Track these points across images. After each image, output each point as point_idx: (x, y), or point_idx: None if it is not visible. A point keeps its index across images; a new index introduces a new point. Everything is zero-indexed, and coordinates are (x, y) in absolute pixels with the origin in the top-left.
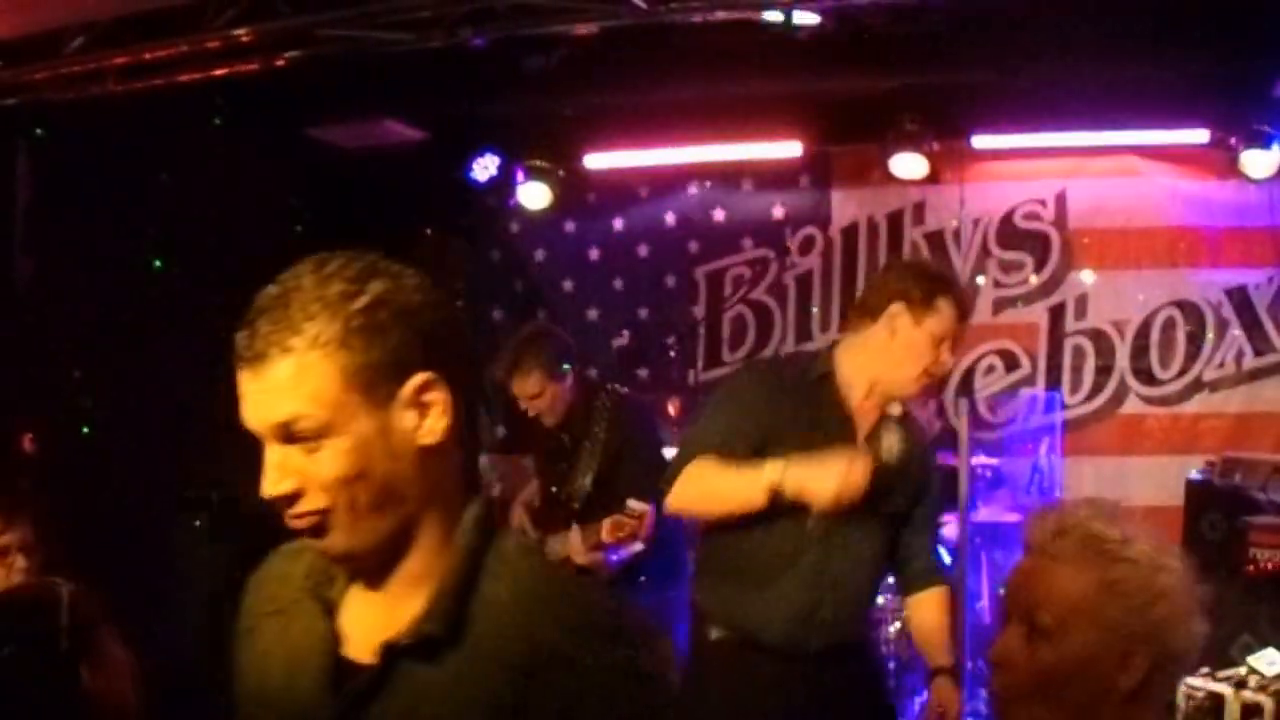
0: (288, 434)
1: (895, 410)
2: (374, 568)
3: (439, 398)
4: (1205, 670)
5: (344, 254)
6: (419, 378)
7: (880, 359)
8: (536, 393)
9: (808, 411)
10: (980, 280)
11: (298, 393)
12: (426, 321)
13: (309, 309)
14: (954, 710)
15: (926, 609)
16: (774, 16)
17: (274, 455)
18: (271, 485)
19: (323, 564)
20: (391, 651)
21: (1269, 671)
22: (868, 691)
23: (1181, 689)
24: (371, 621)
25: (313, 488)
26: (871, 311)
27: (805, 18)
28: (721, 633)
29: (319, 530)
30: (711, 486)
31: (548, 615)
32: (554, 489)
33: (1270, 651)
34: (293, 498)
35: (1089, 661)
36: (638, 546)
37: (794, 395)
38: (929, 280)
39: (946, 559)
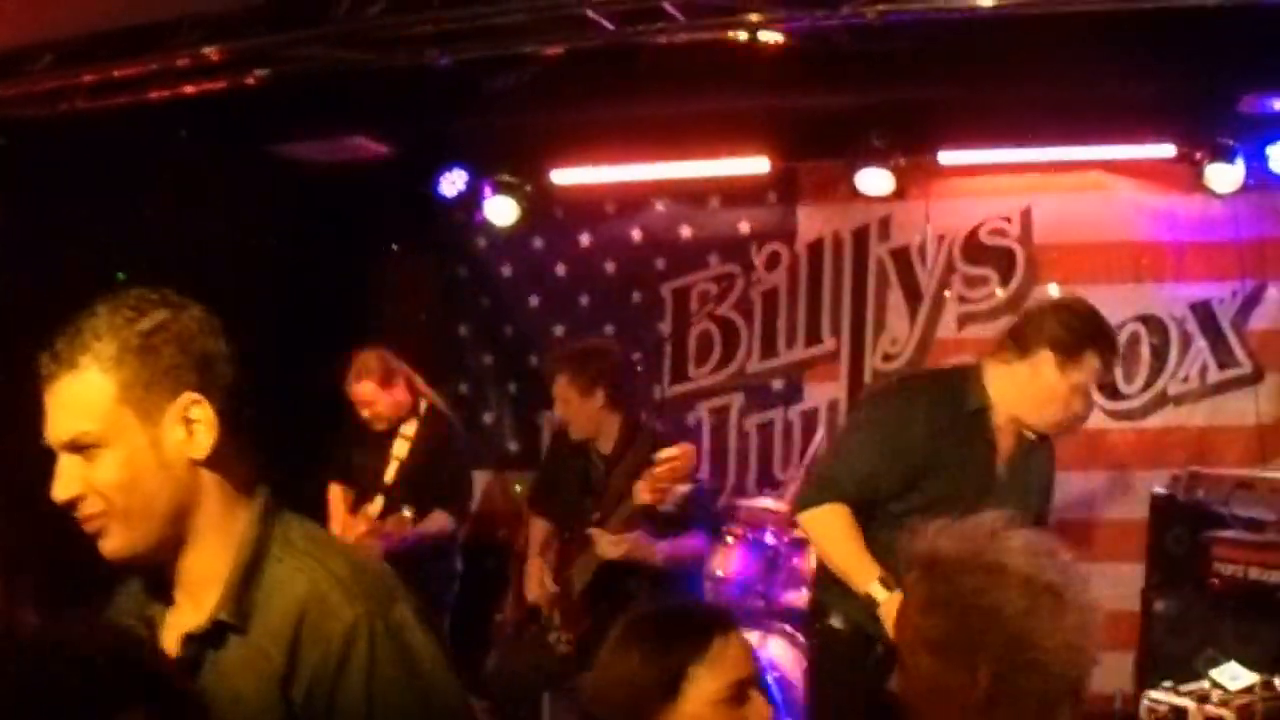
0: (72, 444)
1: (1031, 435)
2: (158, 569)
3: (204, 416)
4: (1168, 684)
5: (144, 289)
6: (186, 397)
7: (1022, 398)
8: (563, 398)
9: (963, 445)
10: (948, 293)
11: (80, 406)
12: (199, 348)
13: (98, 330)
14: None
15: None
16: (740, 36)
17: (62, 463)
18: (58, 490)
19: (148, 588)
20: (190, 640)
21: (1232, 686)
22: None
23: (1144, 703)
24: (183, 624)
25: (92, 493)
26: (1021, 348)
27: (771, 37)
28: (840, 622)
29: (101, 532)
30: (831, 547)
31: (311, 582)
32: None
33: (1233, 666)
34: (76, 502)
35: (934, 684)
36: (686, 487)
37: (952, 429)
38: (1083, 333)
39: None
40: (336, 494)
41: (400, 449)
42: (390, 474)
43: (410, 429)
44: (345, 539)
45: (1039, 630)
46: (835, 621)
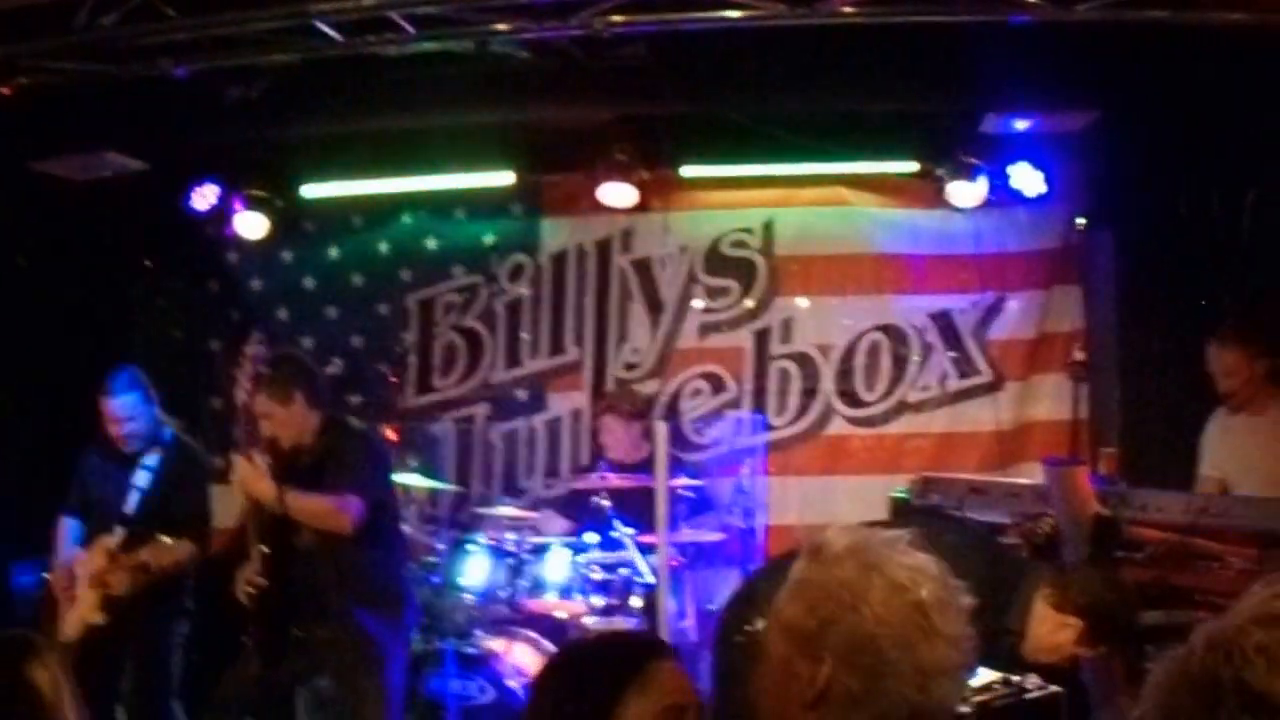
0: None
1: None
2: None
3: None
4: None
5: None
6: None
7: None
8: (265, 413)
9: None
10: (699, 303)
11: None
12: None
13: None
14: None
15: None
16: (469, 47)
17: None
18: None
19: None
20: None
21: (971, 682)
22: None
23: None
24: None
25: None
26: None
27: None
28: None
29: None
30: None
31: None
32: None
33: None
34: None
35: (781, 672)
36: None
37: None
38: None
39: (649, 579)
40: (65, 527)
41: (141, 479)
42: (130, 504)
43: (152, 459)
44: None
45: (890, 640)
46: None
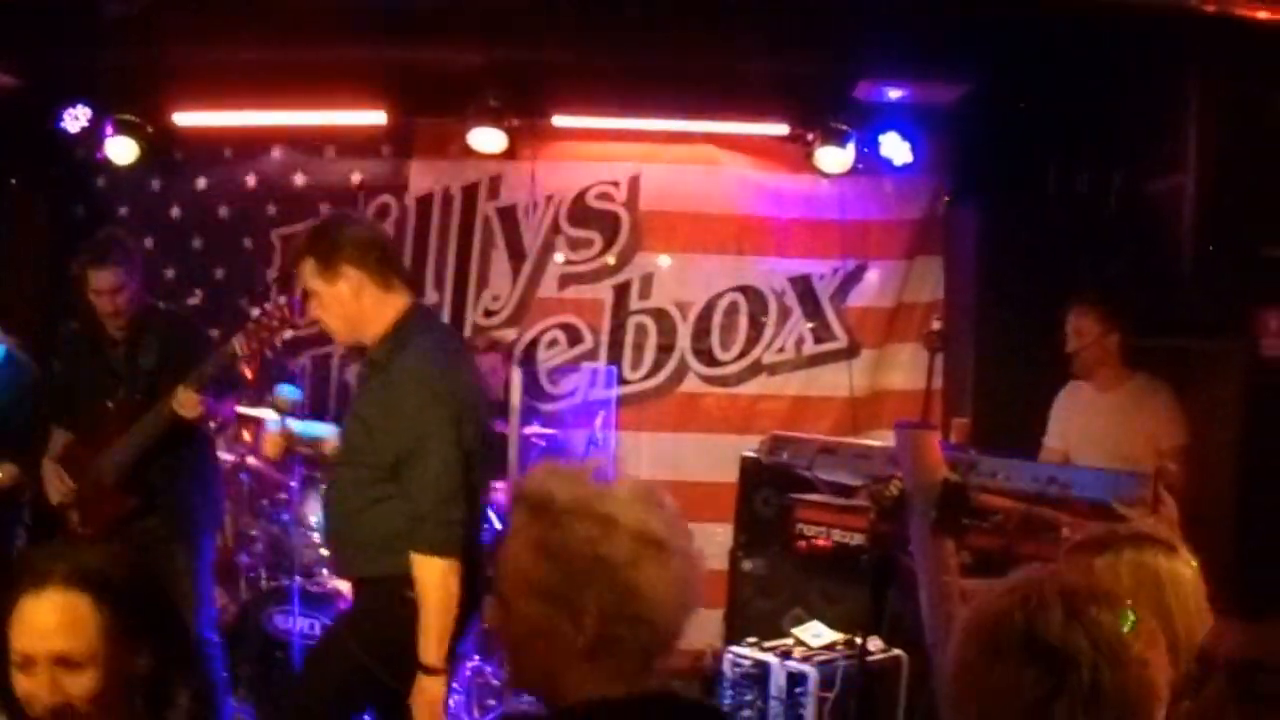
0: None
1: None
2: None
3: None
4: (753, 640)
5: None
6: None
7: None
8: (116, 287)
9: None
10: (560, 256)
11: None
12: None
13: None
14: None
15: None
16: None
17: None
18: None
19: None
20: None
21: (814, 643)
22: None
23: (728, 657)
24: None
25: None
26: None
27: None
28: None
29: None
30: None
31: None
32: (109, 404)
33: (816, 624)
34: None
35: (537, 628)
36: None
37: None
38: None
39: (498, 525)
40: None
41: None
42: None
43: None
44: None
45: (644, 583)
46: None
